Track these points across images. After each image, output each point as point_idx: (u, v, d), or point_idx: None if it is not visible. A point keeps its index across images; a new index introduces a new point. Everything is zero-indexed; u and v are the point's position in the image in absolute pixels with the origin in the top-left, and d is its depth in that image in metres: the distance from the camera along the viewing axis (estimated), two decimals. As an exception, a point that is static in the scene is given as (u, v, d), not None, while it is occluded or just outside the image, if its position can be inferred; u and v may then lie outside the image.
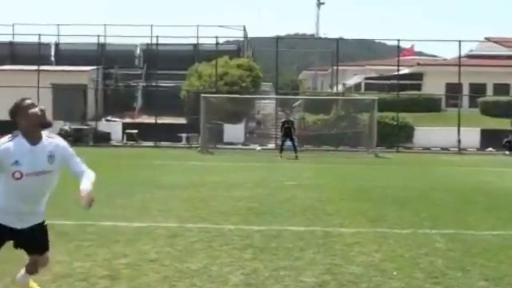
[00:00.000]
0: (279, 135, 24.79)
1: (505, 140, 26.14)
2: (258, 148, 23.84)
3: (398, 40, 30.30)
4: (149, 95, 32.17)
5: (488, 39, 41.82)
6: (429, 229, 7.11)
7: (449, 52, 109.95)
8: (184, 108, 30.10)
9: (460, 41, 29.64)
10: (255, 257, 5.53)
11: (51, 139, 3.58)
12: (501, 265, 5.30)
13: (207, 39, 32.80)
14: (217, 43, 30.85)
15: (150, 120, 29.30)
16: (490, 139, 27.31)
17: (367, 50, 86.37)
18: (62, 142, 3.66)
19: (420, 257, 5.57)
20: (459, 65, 29.17)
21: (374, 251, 5.85)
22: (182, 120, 29.97)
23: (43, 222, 3.78)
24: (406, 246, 6.09)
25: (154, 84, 31.95)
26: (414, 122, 28.15)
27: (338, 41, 31.34)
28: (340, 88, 33.54)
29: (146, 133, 27.26)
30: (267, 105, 34.85)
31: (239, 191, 10.63)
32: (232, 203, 9.03)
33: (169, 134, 26.90)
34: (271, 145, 27.33)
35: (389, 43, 66.08)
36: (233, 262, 5.28)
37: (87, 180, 3.58)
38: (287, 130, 21.00)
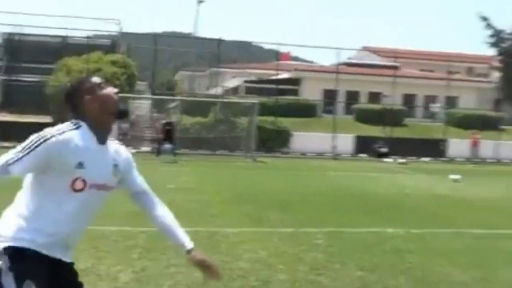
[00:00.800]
0: (155, 137, 24.84)
1: (376, 146, 28.49)
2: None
3: (277, 45, 31.67)
4: (9, 90, 30.53)
5: (365, 48, 45.00)
6: (309, 227, 7.78)
7: (325, 59, 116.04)
8: (50, 105, 28.98)
9: (339, 49, 31.73)
10: (142, 256, 5.76)
11: (112, 141, 2.64)
12: (375, 258, 6.04)
13: (78, 32, 31.91)
14: (88, 36, 30.08)
15: (11, 118, 27.84)
16: (363, 145, 29.48)
17: (245, 52, 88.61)
18: (124, 149, 2.70)
19: (303, 253, 6.16)
20: (337, 72, 31.16)
21: (259, 249, 6.34)
22: (48, 119, 28.80)
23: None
24: (289, 244, 6.67)
25: (15, 78, 30.36)
26: (292, 127, 29.55)
27: (219, 42, 31.97)
28: (219, 90, 34.22)
29: (6, 132, 25.82)
30: (141, 106, 34.58)
31: (116, 194, 10.65)
32: (111, 206, 9.08)
33: (33, 133, 25.62)
34: (146, 148, 27.22)
35: (266, 47, 68.48)
36: (121, 262, 5.48)
37: (175, 223, 2.69)
38: (168, 132, 21.23)
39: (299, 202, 10.77)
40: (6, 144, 26.01)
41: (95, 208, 2.62)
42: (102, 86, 2.52)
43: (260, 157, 24.15)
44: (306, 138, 29.13)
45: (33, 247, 2.39)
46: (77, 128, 2.46)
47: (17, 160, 2.37)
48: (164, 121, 22.41)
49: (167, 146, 21.33)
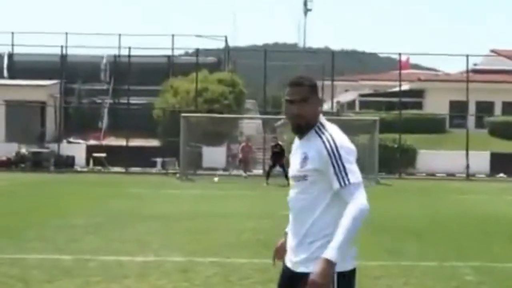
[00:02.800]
0: (267, 159, 25.40)
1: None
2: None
3: (400, 54, 31.26)
4: (117, 113, 32.46)
5: (495, 52, 43.09)
6: (455, 261, 7.67)
7: (448, 66, 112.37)
8: (158, 128, 30.48)
9: (468, 56, 30.76)
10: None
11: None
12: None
13: (183, 51, 33.42)
14: (197, 55, 31.27)
15: (119, 142, 29.58)
16: (500, 163, 28.22)
17: (357, 63, 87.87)
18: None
19: (453, 290, 6.11)
20: (467, 81, 30.14)
21: (402, 285, 6.37)
22: (155, 142, 30.32)
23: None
24: (435, 280, 6.63)
25: (122, 101, 32.16)
26: (417, 145, 28.93)
27: (327, 53, 32.15)
28: (331, 105, 34.20)
29: (115, 157, 27.45)
30: (250, 125, 35.38)
31: (238, 222, 11.09)
32: (237, 235, 9.49)
33: (141, 158, 27.09)
34: (257, 171, 27.79)
35: (381, 55, 67.57)
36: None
37: (340, 227, 2.84)
38: (277, 155, 21.70)
39: (436, 230, 10.61)
40: (115, 169, 27.74)
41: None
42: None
43: (383, 179, 23.89)
44: (434, 157, 28.42)
45: None
46: None
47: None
48: (272, 144, 22.91)
49: (278, 170, 21.81)
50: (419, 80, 37.83)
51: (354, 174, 2.87)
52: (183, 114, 24.64)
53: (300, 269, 2.92)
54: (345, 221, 2.80)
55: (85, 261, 7.25)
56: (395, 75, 32.89)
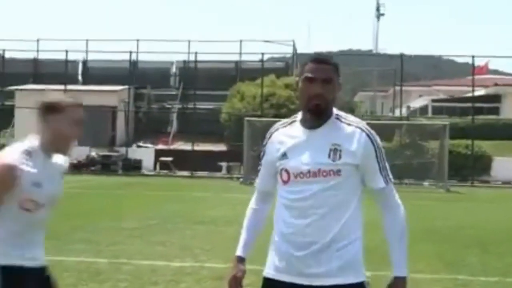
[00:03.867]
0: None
1: None
2: None
3: (473, 57, 29.89)
4: (185, 118, 32.57)
5: None
6: (520, 277, 6.88)
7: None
8: (224, 133, 30.33)
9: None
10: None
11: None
12: None
13: (251, 56, 33.16)
14: (262, 60, 30.98)
15: (186, 146, 29.63)
16: None
17: (433, 68, 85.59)
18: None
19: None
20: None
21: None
22: (222, 147, 30.19)
23: None
24: (495, 297, 5.90)
25: (191, 106, 32.30)
26: (492, 152, 27.51)
27: (402, 57, 31.08)
28: (404, 111, 33.16)
29: (181, 161, 27.49)
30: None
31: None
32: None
33: (207, 162, 27.02)
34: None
35: (458, 60, 65.37)
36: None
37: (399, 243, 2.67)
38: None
39: (506, 242, 9.72)
40: (181, 173, 27.82)
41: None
42: None
43: (455, 187, 22.75)
44: (511, 164, 26.86)
45: None
46: None
47: None
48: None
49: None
50: (496, 85, 36.12)
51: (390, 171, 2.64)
52: (247, 118, 24.39)
53: (334, 281, 2.50)
54: (400, 229, 2.62)
55: (119, 264, 6.96)
56: (471, 80, 31.45)
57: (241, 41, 33.21)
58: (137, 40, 33.30)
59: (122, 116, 31.84)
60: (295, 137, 2.61)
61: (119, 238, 9.00)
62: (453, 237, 9.99)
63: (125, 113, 31.59)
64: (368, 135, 2.55)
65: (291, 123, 2.73)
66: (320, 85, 2.53)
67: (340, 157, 2.52)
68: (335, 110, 2.62)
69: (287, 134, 2.65)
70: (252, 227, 2.85)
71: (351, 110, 47.82)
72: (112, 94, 31.57)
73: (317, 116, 2.56)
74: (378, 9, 53.73)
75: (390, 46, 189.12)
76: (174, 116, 33.27)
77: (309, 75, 2.55)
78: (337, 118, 2.60)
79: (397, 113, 34.27)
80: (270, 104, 29.66)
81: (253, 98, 30.04)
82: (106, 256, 7.43)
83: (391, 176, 2.62)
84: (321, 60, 2.59)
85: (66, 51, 32.37)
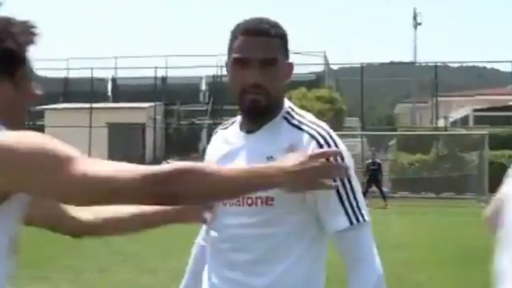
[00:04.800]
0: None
1: None
2: None
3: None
4: (215, 134, 31.85)
5: None
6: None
7: None
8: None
9: None
10: None
11: None
12: None
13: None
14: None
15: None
16: None
17: (477, 78, 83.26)
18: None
19: None
20: None
21: None
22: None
23: None
24: None
25: (220, 121, 31.57)
26: (538, 163, 25.84)
27: (437, 67, 29.92)
28: (442, 122, 31.77)
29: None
30: (353, 144, 33.58)
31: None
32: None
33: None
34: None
35: (502, 69, 63.20)
36: None
37: None
38: (373, 174, 19.97)
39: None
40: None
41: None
42: None
43: (496, 201, 21.25)
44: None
45: None
46: None
47: None
48: (369, 161, 21.18)
49: (374, 189, 20.06)
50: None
51: (365, 206, 1.77)
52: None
53: None
54: None
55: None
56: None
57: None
58: (166, 56, 32.91)
59: (152, 133, 31.29)
60: (229, 144, 1.88)
61: (111, 265, 8.10)
62: (491, 260, 8.74)
63: (154, 130, 31.06)
64: (320, 145, 1.71)
65: (232, 123, 2.00)
66: (257, 69, 1.73)
67: None
68: (286, 105, 1.85)
69: (224, 139, 1.94)
70: (195, 271, 2.05)
71: (390, 123, 46.44)
72: (141, 111, 31.06)
73: (253, 116, 1.79)
74: (415, 18, 52.07)
75: (431, 55, 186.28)
76: (204, 132, 32.58)
77: (239, 55, 1.75)
78: (285, 118, 1.81)
79: (438, 124, 32.95)
80: (301, 117, 28.69)
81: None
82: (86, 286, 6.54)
83: (363, 211, 1.74)
84: (256, 30, 1.74)
85: (91, 69, 32.14)
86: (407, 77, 50.00)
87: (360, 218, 1.71)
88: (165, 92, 32.63)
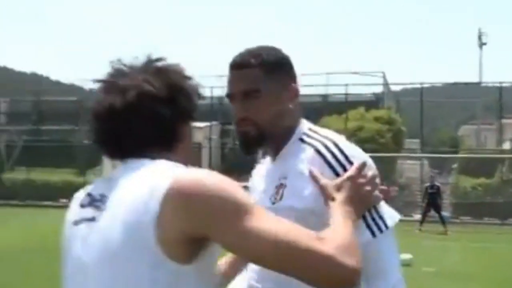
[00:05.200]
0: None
1: None
2: None
3: None
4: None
5: None
6: None
7: None
8: (309, 169, 28.92)
9: None
10: None
11: None
12: None
13: (338, 88, 31.76)
14: (346, 93, 29.73)
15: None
16: None
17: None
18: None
19: None
20: None
21: None
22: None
23: None
24: None
25: (276, 142, 31.33)
26: None
27: (502, 88, 28.79)
28: (508, 144, 30.41)
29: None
30: (412, 167, 32.52)
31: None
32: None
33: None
34: (418, 215, 25.09)
35: None
36: None
37: None
38: (431, 197, 19.10)
39: None
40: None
41: None
42: None
43: None
44: None
45: None
46: None
47: None
48: (427, 184, 20.31)
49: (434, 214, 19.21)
50: None
51: (387, 210, 1.74)
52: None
53: None
54: None
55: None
56: None
57: (327, 74, 31.94)
58: (220, 76, 32.81)
59: (208, 153, 31.23)
60: (259, 173, 2.00)
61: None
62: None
63: (210, 149, 30.98)
64: (319, 152, 1.70)
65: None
66: (240, 103, 1.76)
67: (281, 197, 1.72)
68: (305, 126, 1.86)
69: (257, 170, 2.06)
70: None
71: (454, 145, 44.94)
72: (198, 131, 31.04)
73: (246, 148, 1.88)
74: (480, 38, 50.49)
75: (496, 76, 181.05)
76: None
77: (227, 91, 1.81)
78: (301, 139, 1.81)
79: (504, 147, 31.59)
80: (358, 138, 27.96)
81: (339, 132, 28.39)
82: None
83: (385, 217, 1.71)
84: (237, 64, 1.76)
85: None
86: (472, 98, 48.53)
87: (383, 227, 1.68)
88: (221, 112, 32.58)
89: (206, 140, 30.96)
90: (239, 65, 1.74)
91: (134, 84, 1.41)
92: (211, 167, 30.81)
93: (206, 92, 32.45)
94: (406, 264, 8.98)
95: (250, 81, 1.72)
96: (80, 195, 1.47)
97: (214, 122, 31.67)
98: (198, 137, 30.78)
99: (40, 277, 8.25)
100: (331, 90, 32.32)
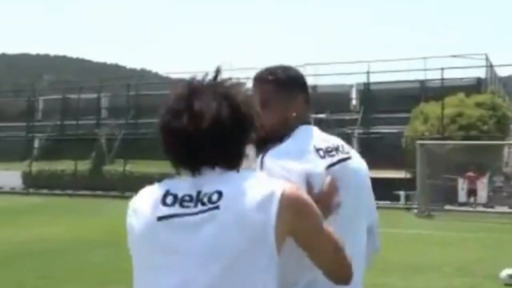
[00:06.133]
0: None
1: None
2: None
3: None
4: (366, 143, 30.36)
5: None
6: None
7: None
8: (406, 159, 27.53)
9: None
10: None
11: None
12: None
13: (437, 73, 30.02)
14: (442, 78, 28.20)
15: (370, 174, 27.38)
16: None
17: None
18: None
19: None
20: None
21: None
22: (402, 174, 27.44)
23: None
24: None
25: (372, 130, 30.18)
26: None
27: None
28: None
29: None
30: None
31: (424, 279, 8.06)
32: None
33: (383, 190, 24.58)
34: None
35: None
36: None
37: None
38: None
39: None
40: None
41: None
42: None
43: None
44: None
45: None
46: None
47: None
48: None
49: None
50: None
51: None
52: (419, 142, 21.71)
53: None
54: None
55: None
56: None
57: (425, 58, 30.26)
58: (316, 64, 32.05)
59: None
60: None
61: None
62: None
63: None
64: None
65: None
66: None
67: None
68: (304, 131, 2.12)
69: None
70: None
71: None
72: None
73: (256, 145, 1.94)
74: None
75: None
76: (354, 142, 31.16)
77: None
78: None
79: None
80: (459, 125, 26.29)
81: (438, 119, 26.84)
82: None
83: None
84: (256, 78, 2.17)
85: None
86: None
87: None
88: (314, 101, 31.74)
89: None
90: (257, 79, 2.14)
91: (208, 111, 1.64)
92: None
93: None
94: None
95: (264, 93, 2.07)
96: (152, 192, 1.71)
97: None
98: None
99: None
100: (429, 75, 30.67)
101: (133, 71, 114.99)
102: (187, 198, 1.62)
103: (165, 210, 1.62)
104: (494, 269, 8.38)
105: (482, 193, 25.16)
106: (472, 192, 23.78)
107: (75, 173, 31.79)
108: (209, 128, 1.62)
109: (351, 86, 33.87)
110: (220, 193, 1.58)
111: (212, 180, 1.63)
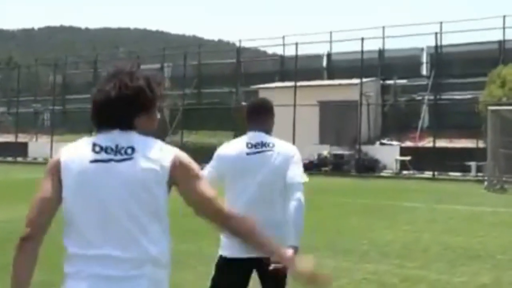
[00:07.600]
0: None
1: None
2: None
3: None
4: (437, 111, 28.16)
5: None
6: None
7: None
8: (481, 127, 25.14)
9: None
10: None
11: None
12: None
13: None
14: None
15: (439, 143, 25.33)
16: None
17: None
18: None
19: None
20: None
21: None
22: (480, 144, 25.16)
23: None
24: None
25: (445, 97, 27.92)
26: None
27: None
28: None
29: (422, 159, 23.48)
30: None
31: (470, 271, 6.47)
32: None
33: (454, 161, 22.64)
34: None
35: None
36: None
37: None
38: None
39: None
40: (423, 174, 23.72)
41: None
42: None
43: None
44: None
45: None
46: None
47: None
48: None
49: None
50: None
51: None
52: (491, 108, 19.52)
53: None
54: None
55: None
56: None
57: (504, 16, 27.48)
58: (383, 27, 30.00)
59: (366, 111, 28.60)
60: None
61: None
62: None
63: (368, 108, 28.31)
64: None
65: None
66: None
67: None
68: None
69: None
70: None
71: None
72: (354, 88, 28.58)
73: None
74: None
75: None
76: (424, 109, 28.90)
77: None
78: None
79: None
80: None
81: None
82: None
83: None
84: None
85: (293, 44, 30.41)
86: None
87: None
88: (381, 66, 29.69)
89: (364, 97, 28.18)
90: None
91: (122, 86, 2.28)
92: (369, 126, 28.29)
93: (366, 45, 29.69)
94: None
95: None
96: (83, 144, 2.32)
97: (372, 78, 28.91)
98: (355, 94, 28.18)
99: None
100: (508, 35, 27.94)
101: (210, 42, 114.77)
102: (109, 149, 2.26)
103: (96, 156, 2.26)
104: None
105: None
106: None
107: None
108: (118, 99, 2.28)
109: (421, 49, 31.91)
110: (133, 148, 2.25)
111: (124, 137, 2.28)
